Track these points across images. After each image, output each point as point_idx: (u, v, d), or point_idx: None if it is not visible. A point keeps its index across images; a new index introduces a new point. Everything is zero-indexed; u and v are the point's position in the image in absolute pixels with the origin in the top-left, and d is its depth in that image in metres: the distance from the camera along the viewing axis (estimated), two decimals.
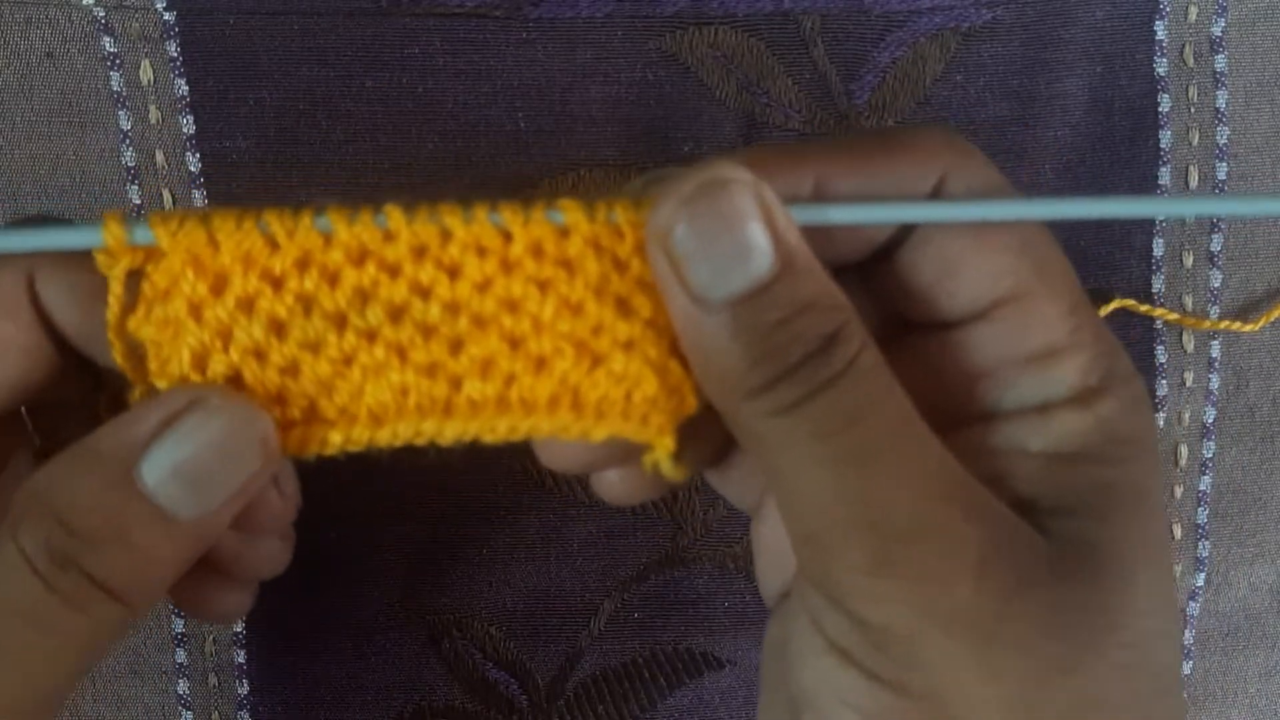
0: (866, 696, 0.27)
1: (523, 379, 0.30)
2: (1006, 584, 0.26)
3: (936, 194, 0.29)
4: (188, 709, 0.45)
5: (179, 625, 0.45)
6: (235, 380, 0.29)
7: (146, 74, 0.42)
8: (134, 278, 0.30)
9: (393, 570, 0.45)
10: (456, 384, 0.30)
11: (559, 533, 0.46)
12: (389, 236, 0.29)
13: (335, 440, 0.30)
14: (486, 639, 0.46)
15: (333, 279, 0.29)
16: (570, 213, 0.29)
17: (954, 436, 0.28)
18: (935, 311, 0.30)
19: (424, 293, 0.29)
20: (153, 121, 0.43)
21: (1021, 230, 0.29)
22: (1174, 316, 0.47)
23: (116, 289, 0.30)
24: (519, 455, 0.46)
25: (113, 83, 0.42)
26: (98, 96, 0.42)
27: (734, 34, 0.44)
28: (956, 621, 0.26)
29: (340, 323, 0.29)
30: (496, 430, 0.30)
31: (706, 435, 0.31)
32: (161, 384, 0.30)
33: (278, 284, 0.29)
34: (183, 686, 0.45)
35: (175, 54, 0.42)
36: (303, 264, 0.29)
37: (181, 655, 0.45)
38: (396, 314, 0.29)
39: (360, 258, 0.29)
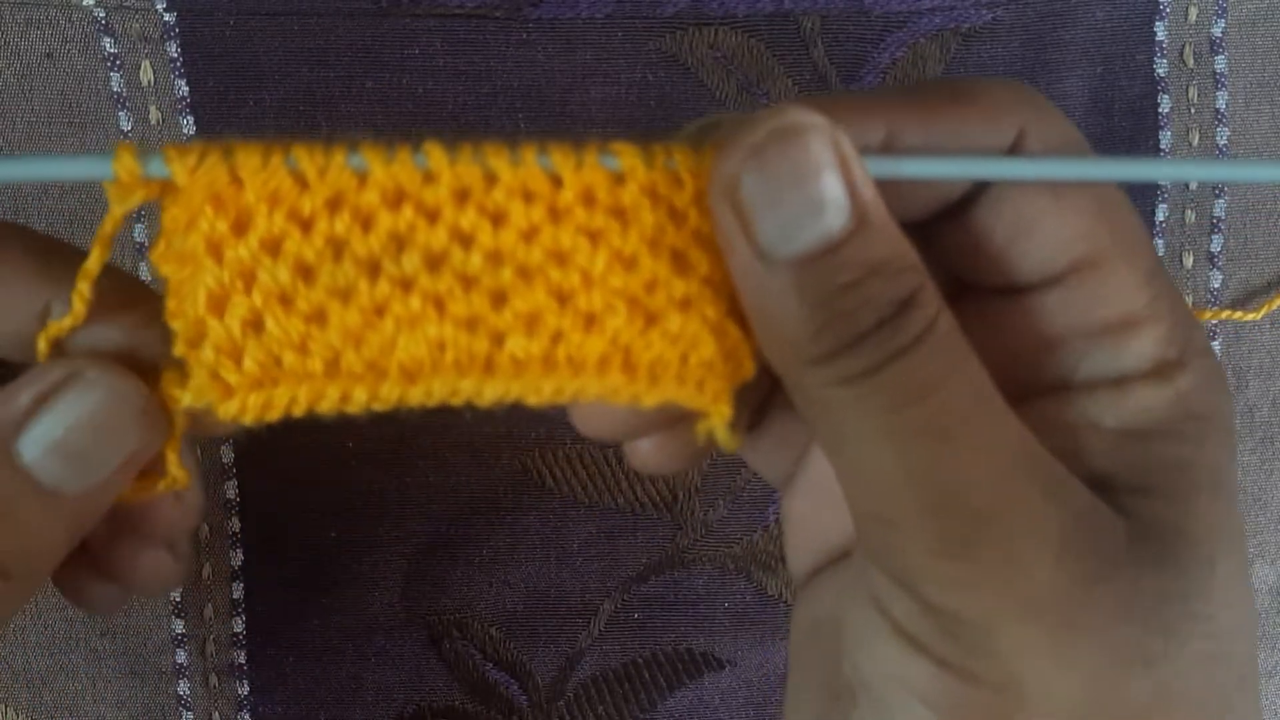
0: (935, 685, 0.26)
1: (571, 337, 0.27)
2: (1087, 568, 0.25)
3: (1015, 150, 0.28)
4: (188, 710, 0.45)
5: (179, 626, 0.45)
6: (256, 323, 0.27)
7: (147, 75, 0.42)
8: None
9: (393, 570, 0.45)
10: (499, 340, 0.27)
11: (559, 533, 0.46)
12: (429, 178, 0.27)
13: (360, 397, 0.28)
14: (487, 640, 0.46)
15: (366, 222, 0.27)
16: (626, 157, 0.27)
17: (1023, 409, 0.27)
18: (1006, 275, 0.28)
19: (465, 240, 0.27)
20: (153, 122, 0.43)
21: (1098, 192, 0.28)
22: None
23: (112, 224, 0.28)
24: (520, 455, 0.46)
25: (113, 83, 0.42)
26: (98, 97, 0.42)
27: (734, 35, 0.44)
28: (1035, 607, 0.25)
29: (373, 270, 0.27)
30: (541, 391, 0.28)
31: (740, 401, 0.30)
32: (177, 325, 0.27)
33: (306, 225, 0.27)
34: (183, 687, 0.45)
35: (175, 55, 0.42)
36: (334, 205, 0.27)
37: (182, 656, 0.45)
38: (435, 262, 0.27)
39: (397, 200, 0.27)
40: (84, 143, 0.42)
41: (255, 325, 0.27)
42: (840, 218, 0.25)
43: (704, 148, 0.27)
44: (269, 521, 0.45)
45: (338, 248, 0.27)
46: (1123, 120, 0.46)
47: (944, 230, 0.29)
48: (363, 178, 0.27)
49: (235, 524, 0.45)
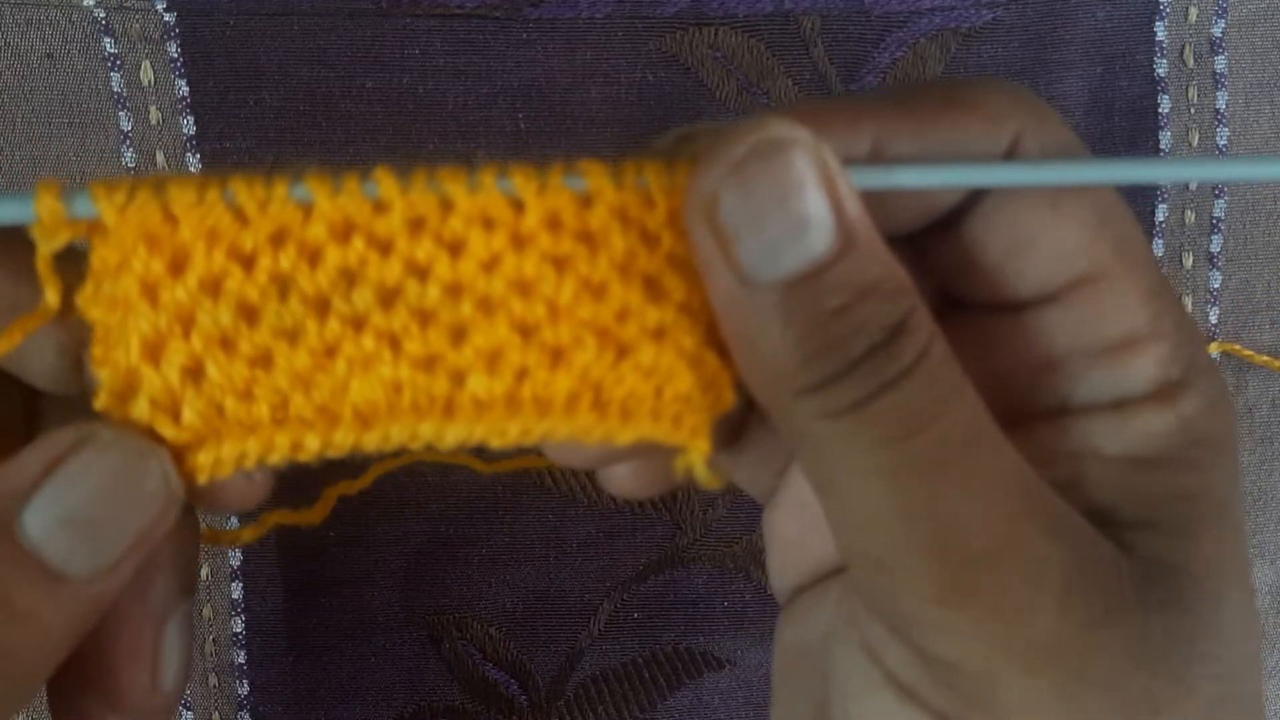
0: None
1: (536, 374, 0.26)
2: (1092, 612, 0.24)
3: (1011, 156, 0.26)
4: (188, 709, 0.45)
5: None
6: (196, 371, 0.25)
7: (147, 75, 0.42)
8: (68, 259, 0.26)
9: (393, 570, 0.45)
10: (459, 379, 0.26)
11: (559, 533, 0.46)
12: (380, 207, 0.25)
13: (312, 445, 0.26)
14: (486, 639, 0.46)
15: (313, 257, 0.25)
16: (593, 177, 0.25)
17: (1019, 434, 0.25)
18: (1000, 292, 0.27)
19: (421, 273, 0.25)
20: (153, 122, 0.43)
21: (1099, 202, 0.26)
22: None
23: (42, 265, 0.25)
24: (519, 454, 0.46)
25: (113, 84, 0.42)
26: (98, 97, 0.42)
27: (734, 35, 0.44)
28: (1038, 656, 0.23)
29: (322, 308, 0.25)
30: (506, 434, 0.26)
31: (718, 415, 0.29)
32: (103, 374, 0.25)
33: (248, 263, 0.25)
34: None
35: (176, 55, 0.42)
36: (278, 239, 0.25)
37: None
38: (388, 298, 0.25)
39: (346, 232, 0.25)
40: (84, 143, 0.42)
41: (194, 373, 0.25)
42: (826, 238, 0.24)
43: (677, 164, 0.25)
44: None
45: (283, 285, 0.25)
46: (1123, 120, 0.46)
47: (934, 243, 0.28)
48: (308, 210, 0.25)
49: (234, 523, 0.45)
